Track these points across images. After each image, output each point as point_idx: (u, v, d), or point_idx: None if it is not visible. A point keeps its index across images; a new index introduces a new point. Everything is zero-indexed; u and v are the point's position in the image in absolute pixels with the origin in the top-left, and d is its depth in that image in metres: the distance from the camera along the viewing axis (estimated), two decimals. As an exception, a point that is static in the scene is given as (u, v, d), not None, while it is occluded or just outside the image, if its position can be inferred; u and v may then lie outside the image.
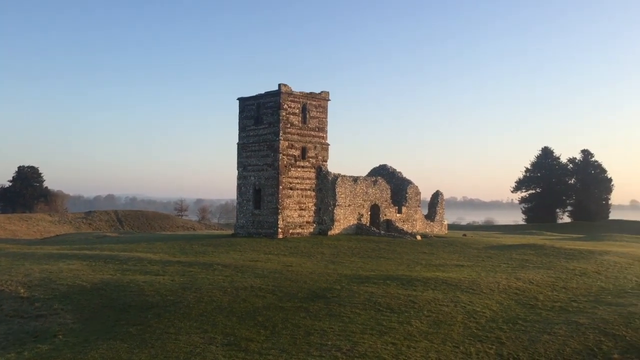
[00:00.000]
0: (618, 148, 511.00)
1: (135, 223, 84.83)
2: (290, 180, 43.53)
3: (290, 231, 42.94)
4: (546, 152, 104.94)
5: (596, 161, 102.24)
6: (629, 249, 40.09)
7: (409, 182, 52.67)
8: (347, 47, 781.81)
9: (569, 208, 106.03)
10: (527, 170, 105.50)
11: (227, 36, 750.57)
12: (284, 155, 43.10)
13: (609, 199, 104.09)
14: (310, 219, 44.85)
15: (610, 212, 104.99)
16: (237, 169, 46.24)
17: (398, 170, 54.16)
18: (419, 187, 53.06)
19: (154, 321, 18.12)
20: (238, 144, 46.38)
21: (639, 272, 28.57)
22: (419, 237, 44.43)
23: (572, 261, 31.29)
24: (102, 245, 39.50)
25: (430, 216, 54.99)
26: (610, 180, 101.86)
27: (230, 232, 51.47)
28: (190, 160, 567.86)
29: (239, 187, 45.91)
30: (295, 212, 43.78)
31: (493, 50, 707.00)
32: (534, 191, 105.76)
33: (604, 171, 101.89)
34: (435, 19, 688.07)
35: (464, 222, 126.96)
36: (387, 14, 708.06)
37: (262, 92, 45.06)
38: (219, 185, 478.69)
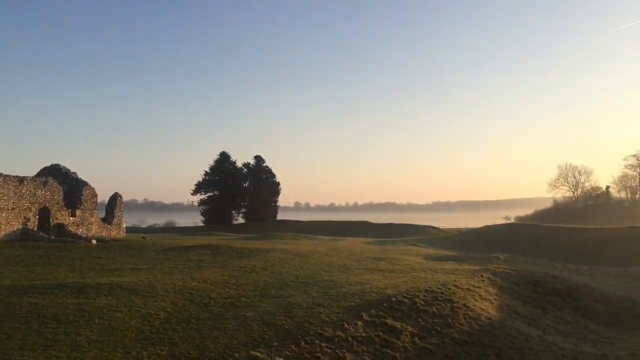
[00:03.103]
0: (284, 154, 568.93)
1: None
2: (-64, 179, 36.81)
3: None
4: (224, 157, 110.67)
5: (267, 166, 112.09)
6: (292, 246, 44.94)
7: (84, 183, 49.62)
8: (46, 41, 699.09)
9: (244, 210, 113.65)
10: (206, 173, 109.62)
11: None
12: None
13: (277, 201, 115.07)
14: (-37, 225, 38.63)
15: (278, 213, 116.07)
16: None
17: (72, 170, 50.59)
18: (96, 189, 50.49)
19: None
20: None
21: (298, 266, 32.26)
22: (94, 242, 42.19)
23: (244, 259, 33.66)
24: None
25: (108, 219, 52.78)
26: (278, 184, 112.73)
27: None
28: None
29: None
30: (-58, 217, 37.19)
31: (177, 58, 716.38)
32: (212, 194, 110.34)
33: (274, 175, 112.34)
34: (142, 15, 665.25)
35: (144, 225, 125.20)
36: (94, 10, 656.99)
37: None
38: None
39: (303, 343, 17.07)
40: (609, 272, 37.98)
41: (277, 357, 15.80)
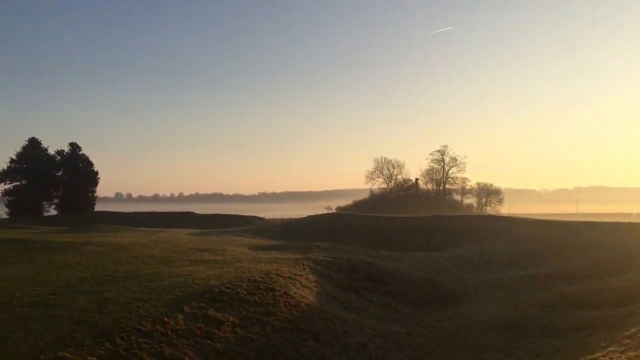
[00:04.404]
0: (104, 142, 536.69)
1: None
2: None
3: None
4: (33, 143, 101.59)
5: (84, 155, 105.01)
6: (110, 238, 42.62)
7: None
8: None
9: (57, 201, 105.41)
10: (12, 161, 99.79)
11: None
12: None
13: (95, 191, 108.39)
14: None
15: (96, 204, 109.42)
16: None
17: None
18: None
19: None
20: None
21: (117, 259, 30.68)
22: None
23: (55, 254, 31.22)
24: None
25: None
26: (96, 173, 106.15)
27: None
28: None
29: None
30: None
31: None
32: (19, 183, 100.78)
33: (91, 164, 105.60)
34: None
35: None
36: None
37: None
38: None
39: (119, 340, 16.33)
40: (416, 257, 41.62)
41: (89, 357, 14.92)
